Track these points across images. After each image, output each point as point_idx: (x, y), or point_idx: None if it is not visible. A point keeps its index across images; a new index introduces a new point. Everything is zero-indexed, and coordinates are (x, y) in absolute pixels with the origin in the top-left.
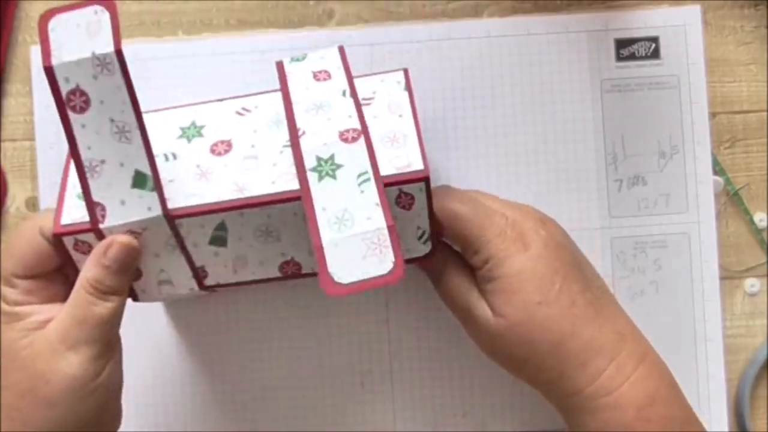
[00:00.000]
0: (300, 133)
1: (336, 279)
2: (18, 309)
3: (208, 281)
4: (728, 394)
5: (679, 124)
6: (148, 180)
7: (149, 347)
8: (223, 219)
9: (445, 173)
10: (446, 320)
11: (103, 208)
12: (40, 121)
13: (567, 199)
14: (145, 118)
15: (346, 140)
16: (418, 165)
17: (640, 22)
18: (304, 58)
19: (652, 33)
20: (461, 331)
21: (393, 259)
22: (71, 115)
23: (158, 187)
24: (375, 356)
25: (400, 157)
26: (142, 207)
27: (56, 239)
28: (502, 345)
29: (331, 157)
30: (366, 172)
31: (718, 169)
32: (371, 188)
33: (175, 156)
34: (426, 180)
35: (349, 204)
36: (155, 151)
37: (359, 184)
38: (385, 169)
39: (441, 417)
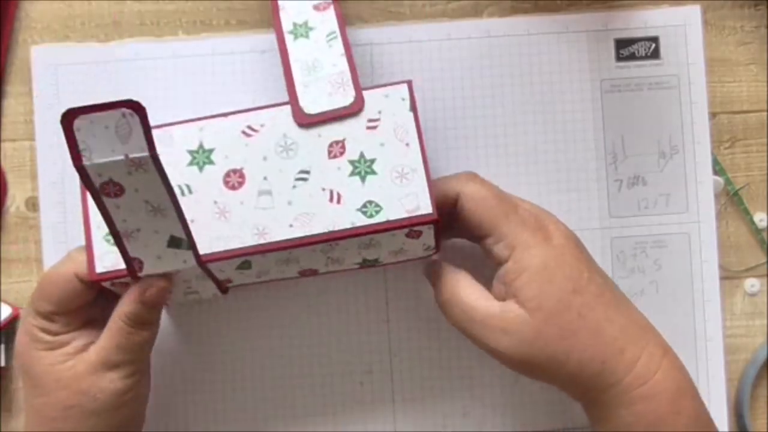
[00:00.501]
0: (280, 8)
1: (306, 111)
2: (59, 338)
3: (231, 285)
4: (728, 394)
5: (679, 124)
6: (183, 242)
7: None
8: (247, 258)
9: (444, 173)
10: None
11: (140, 261)
12: (40, 121)
13: (567, 199)
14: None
15: (317, 9)
16: (426, 208)
17: (640, 22)
18: None
19: (652, 33)
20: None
21: (354, 94)
22: (105, 199)
23: (192, 246)
24: (375, 356)
25: (410, 196)
26: (177, 260)
27: (94, 283)
28: (541, 345)
29: (305, 23)
30: (334, 32)
31: (718, 169)
32: (338, 44)
33: (189, 189)
34: (435, 222)
35: (318, 55)
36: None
37: (328, 41)
38: (396, 212)
39: (441, 417)
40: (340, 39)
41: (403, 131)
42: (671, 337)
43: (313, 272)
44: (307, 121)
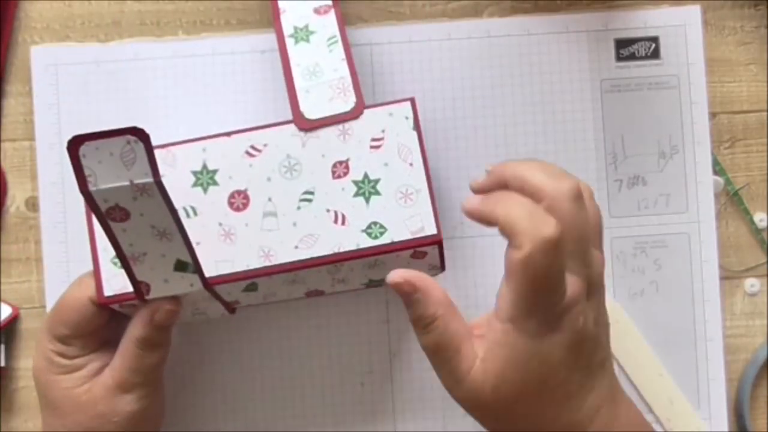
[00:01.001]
0: (281, 11)
1: (306, 116)
2: (76, 361)
3: (239, 306)
4: (728, 394)
5: (679, 124)
6: (189, 266)
7: None
8: (254, 280)
9: (444, 173)
10: None
11: (147, 285)
12: (40, 121)
13: None
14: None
15: (318, 12)
16: (431, 229)
17: (640, 22)
18: None
19: (652, 33)
20: None
21: (354, 100)
22: (112, 224)
23: (198, 270)
24: (375, 356)
25: (414, 218)
26: (184, 284)
27: (102, 306)
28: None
29: (306, 26)
30: (334, 36)
31: (718, 169)
32: (338, 48)
33: (195, 211)
34: (439, 243)
35: (319, 60)
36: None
37: (329, 45)
38: (401, 233)
39: (441, 417)
40: (341, 43)
41: (406, 151)
42: (671, 337)
43: (320, 293)
44: (307, 126)
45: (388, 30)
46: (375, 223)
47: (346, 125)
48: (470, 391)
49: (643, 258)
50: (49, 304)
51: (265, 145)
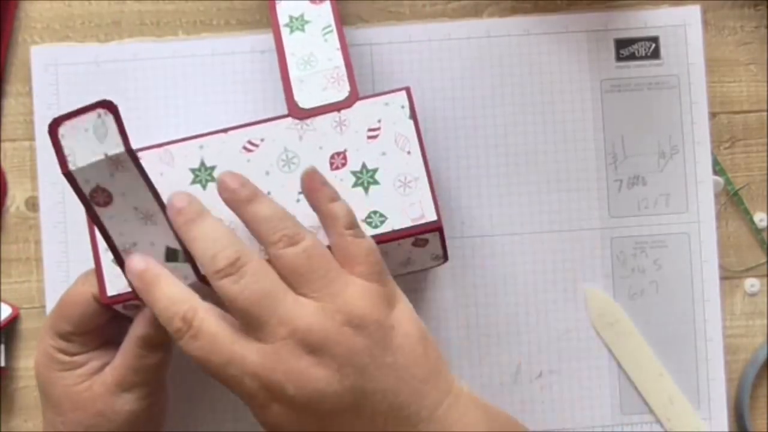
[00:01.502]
0: (277, 0)
1: (301, 105)
2: (76, 358)
3: None
4: (728, 394)
5: (679, 124)
6: (179, 254)
7: None
8: None
9: (444, 174)
10: (446, 320)
11: None
12: (40, 121)
13: (567, 199)
14: (151, 158)
15: (313, 2)
16: (431, 216)
17: (640, 22)
18: None
19: (652, 33)
20: (460, 332)
21: (349, 89)
22: (97, 209)
23: (189, 258)
24: None
25: (414, 205)
26: (178, 277)
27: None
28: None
29: (301, 16)
30: (329, 26)
31: (718, 169)
32: (333, 37)
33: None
34: (439, 230)
35: (314, 49)
36: None
37: (324, 35)
38: (401, 221)
39: None
40: (335, 33)
41: (404, 140)
42: (671, 337)
43: None
44: (301, 116)
45: (388, 30)
46: (375, 213)
47: (342, 116)
48: None
49: (643, 258)
50: (49, 304)
51: (262, 140)
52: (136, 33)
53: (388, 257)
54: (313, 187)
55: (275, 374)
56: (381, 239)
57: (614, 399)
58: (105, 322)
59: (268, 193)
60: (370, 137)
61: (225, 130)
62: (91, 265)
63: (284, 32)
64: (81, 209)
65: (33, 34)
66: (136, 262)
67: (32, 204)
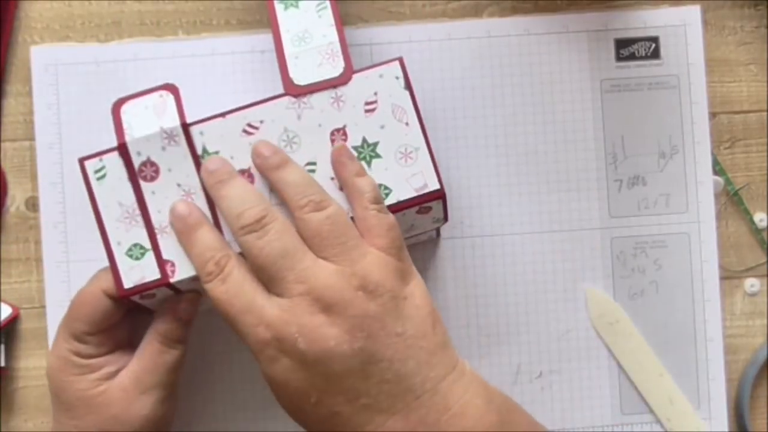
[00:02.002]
0: None
1: (296, 82)
2: (92, 361)
3: None
4: (728, 394)
5: (679, 124)
6: None
7: None
8: None
9: (445, 173)
10: (446, 320)
11: (173, 264)
12: (40, 121)
13: (567, 199)
14: None
15: None
16: (433, 185)
17: (640, 22)
18: None
19: (652, 33)
20: (461, 332)
21: (343, 65)
22: (143, 184)
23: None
24: None
25: (416, 175)
26: None
27: (123, 298)
28: None
29: None
30: (324, 2)
31: (718, 169)
32: (327, 13)
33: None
34: (443, 198)
35: (308, 26)
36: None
37: (318, 11)
38: (405, 192)
39: None
40: (330, 9)
41: (401, 111)
42: (671, 337)
43: None
44: (296, 92)
45: (388, 30)
46: (379, 186)
47: (339, 92)
48: None
49: (643, 258)
50: (50, 304)
51: (261, 122)
52: (136, 33)
53: None
54: (341, 161)
55: (289, 327)
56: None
57: (614, 399)
58: (118, 320)
59: None
60: (367, 111)
61: (223, 114)
62: (91, 265)
63: (278, 8)
64: (81, 209)
65: (33, 34)
66: (182, 207)
67: (32, 204)
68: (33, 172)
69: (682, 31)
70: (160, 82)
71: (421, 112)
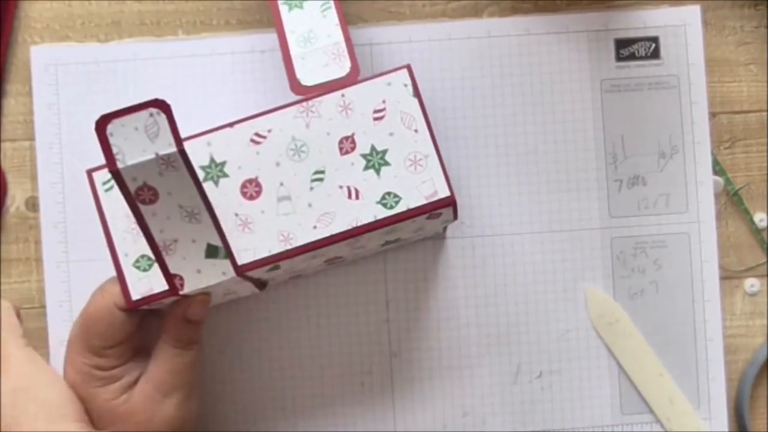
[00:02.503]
0: None
1: (302, 83)
2: (114, 372)
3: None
4: (728, 394)
5: (679, 124)
6: (220, 250)
7: None
8: (276, 263)
9: None
10: (446, 320)
11: (181, 278)
12: (40, 121)
13: (567, 199)
14: None
15: None
16: (444, 192)
17: (640, 22)
18: None
19: (652, 33)
20: (461, 331)
21: (350, 65)
22: (141, 206)
23: (230, 255)
24: (375, 356)
25: (426, 183)
26: (216, 272)
27: (133, 309)
28: None
29: None
30: (328, 2)
31: (718, 169)
32: (332, 13)
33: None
34: (453, 204)
35: (313, 26)
36: None
37: (322, 11)
38: (415, 199)
39: (441, 417)
40: (334, 9)
41: (410, 118)
42: (671, 337)
43: (339, 258)
44: (303, 93)
45: (388, 30)
46: (389, 194)
47: (347, 100)
48: None
49: (643, 258)
50: (50, 304)
51: (269, 131)
52: (136, 33)
53: (403, 230)
54: None
55: None
56: (397, 219)
57: (614, 399)
58: (134, 329)
59: (281, 183)
60: (376, 119)
61: (231, 125)
62: (91, 265)
63: (282, 10)
64: (81, 209)
65: (33, 34)
66: None
67: (32, 204)
68: (33, 172)
69: (682, 31)
70: (159, 82)
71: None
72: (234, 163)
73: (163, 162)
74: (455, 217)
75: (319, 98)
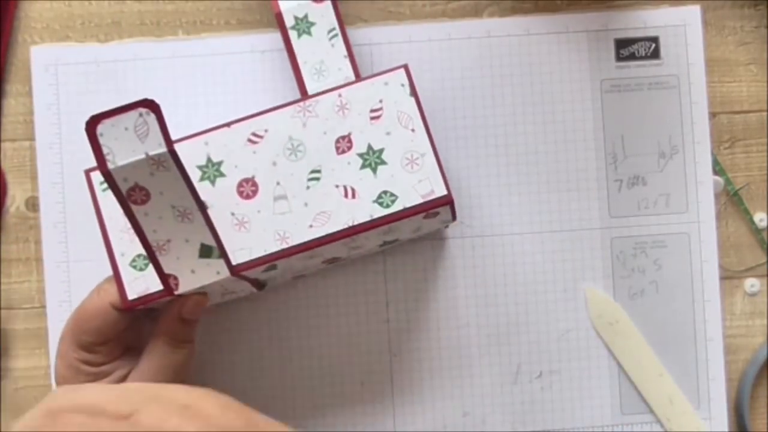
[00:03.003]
0: (280, 2)
1: None
2: (103, 368)
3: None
4: (728, 394)
5: (679, 124)
6: (213, 250)
7: None
8: (273, 263)
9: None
10: (446, 320)
11: (176, 278)
12: (40, 121)
13: (567, 199)
14: None
15: (316, 0)
16: (441, 191)
17: (640, 22)
18: None
19: (652, 33)
20: (461, 331)
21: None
22: (133, 207)
23: (224, 254)
24: (375, 356)
25: (423, 182)
26: (210, 272)
27: (129, 309)
28: None
29: (305, 16)
30: (334, 29)
31: (718, 169)
32: (340, 42)
33: (206, 205)
34: (450, 203)
35: (324, 57)
36: None
37: (330, 39)
38: (412, 198)
39: (441, 417)
40: (341, 37)
41: (407, 118)
42: (671, 337)
43: (337, 259)
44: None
45: (388, 30)
46: (385, 192)
47: (344, 100)
48: None
49: (643, 258)
50: (50, 304)
51: (266, 131)
52: (136, 33)
53: (400, 230)
54: None
55: None
56: (393, 218)
57: (614, 399)
58: (126, 327)
59: (277, 183)
60: (373, 118)
61: (228, 124)
62: (91, 265)
63: (293, 36)
64: (81, 209)
65: (33, 34)
66: None
67: (32, 204)
68: (33, 172)
69: (682, 31)
70: (159, 82)
71: (427, 118)
72: (231, 162)
73: (153, 162)
74: (454, 217)
75: (316, 98)
